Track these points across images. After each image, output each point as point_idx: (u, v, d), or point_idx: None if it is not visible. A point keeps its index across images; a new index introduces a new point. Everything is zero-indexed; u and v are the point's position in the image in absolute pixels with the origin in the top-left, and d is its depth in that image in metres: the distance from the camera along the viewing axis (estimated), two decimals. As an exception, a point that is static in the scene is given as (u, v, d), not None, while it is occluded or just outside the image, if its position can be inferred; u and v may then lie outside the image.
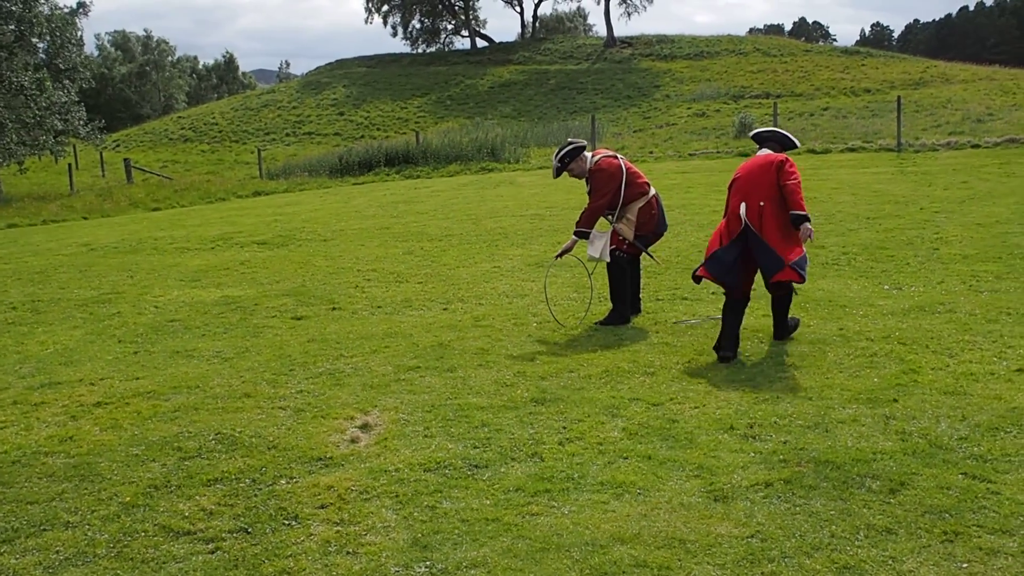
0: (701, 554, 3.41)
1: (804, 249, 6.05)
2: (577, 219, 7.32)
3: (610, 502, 3.90)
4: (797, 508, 3.75)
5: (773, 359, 5.95)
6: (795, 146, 6.60)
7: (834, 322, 6.86)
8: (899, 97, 23.22)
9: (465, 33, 61.24)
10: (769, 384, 5.43)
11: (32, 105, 27.94)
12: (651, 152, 24.66)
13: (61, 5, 30.88)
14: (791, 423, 4.74)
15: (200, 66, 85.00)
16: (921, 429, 4.55)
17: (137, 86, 69.38)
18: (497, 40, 60.19)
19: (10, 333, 7.94)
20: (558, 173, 7.23)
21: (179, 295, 9.31)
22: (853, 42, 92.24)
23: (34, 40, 29.66)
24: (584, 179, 7.28)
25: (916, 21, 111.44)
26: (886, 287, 7.96)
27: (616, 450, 4.48)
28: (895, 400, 5.01)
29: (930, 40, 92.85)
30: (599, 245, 7.14)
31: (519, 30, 65.54)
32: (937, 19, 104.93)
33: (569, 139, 6.22)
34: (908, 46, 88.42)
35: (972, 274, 8.28)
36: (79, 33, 31.79)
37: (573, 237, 7.27)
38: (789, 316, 6.45)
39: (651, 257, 7.43)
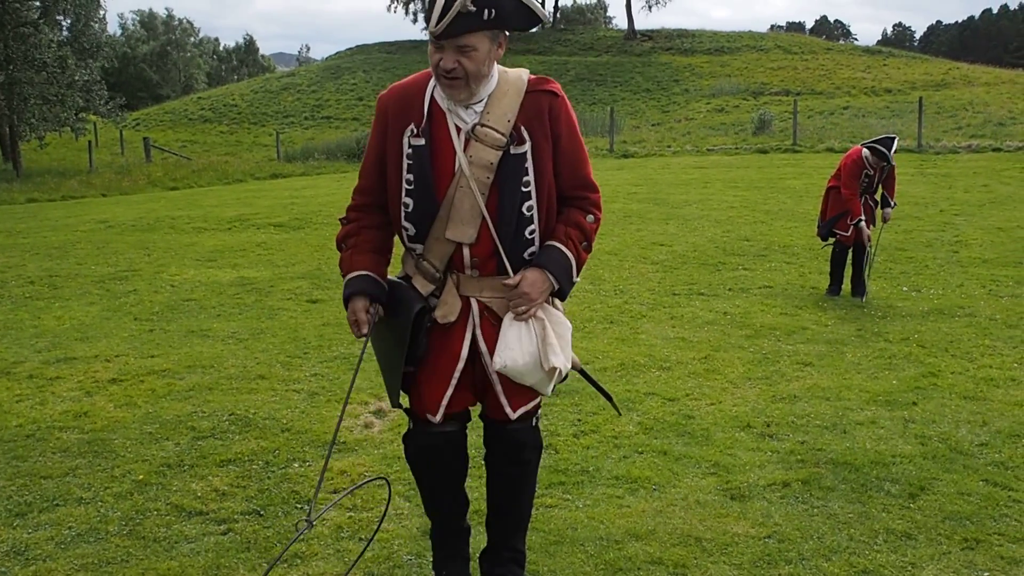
0: (717, 553, 3.37)
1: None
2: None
3: (625, 497, 3.87)
4: (815, 510, 3.71)
5: (790, 358, 5.90)
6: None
7: (852, 322, 6.80)
8: (921, 98, 22.98)
9: (485, 21, 61.03)
10: (786, 383, 5.39)
11: (54, 82, 28.06)
12: (669, 146, 24.55)
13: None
14: (808, 423, 4.70)
15: (221, 48, 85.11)
16: (941, 433, 4.51)
17: (159, 66, 69.46)
18: (517, 29, 59.96)
19: (27, 307, 7.96)
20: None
21: (195, 275, 9.31)
22: (874, 42, 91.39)
23: (58, 17, 29.80)
24: None
25: (938, 22, 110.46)
26: (905, 289, 7.90)
27: (631, 444, 4.45)
28: (914, 403, 4.97)
29: (952, 42, 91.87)
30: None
31: (540, 20, 65.23)
32: (960, 21, 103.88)
33: None
34: (930, 47, 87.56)
35: (992, 278, 8.21)
36: (102, 12, 31.97)
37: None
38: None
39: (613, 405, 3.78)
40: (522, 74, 2.76)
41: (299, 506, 3.84)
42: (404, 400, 2.89)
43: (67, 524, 3.69)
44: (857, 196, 7.53)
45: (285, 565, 3.36)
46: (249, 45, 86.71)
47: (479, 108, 2.67)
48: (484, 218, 2.66)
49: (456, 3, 2.49)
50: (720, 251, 9.83)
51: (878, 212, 7.84)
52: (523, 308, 2.69)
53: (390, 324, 2.84)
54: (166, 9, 77.43)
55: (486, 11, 2.51)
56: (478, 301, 2.76)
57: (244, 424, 4.81)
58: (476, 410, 2.95)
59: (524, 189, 2.67)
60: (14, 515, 3.78)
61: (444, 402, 2.78)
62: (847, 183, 7.54)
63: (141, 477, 4.14)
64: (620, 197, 14.58)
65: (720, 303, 7.53)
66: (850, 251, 7.75)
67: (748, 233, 10.90)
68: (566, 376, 2.86)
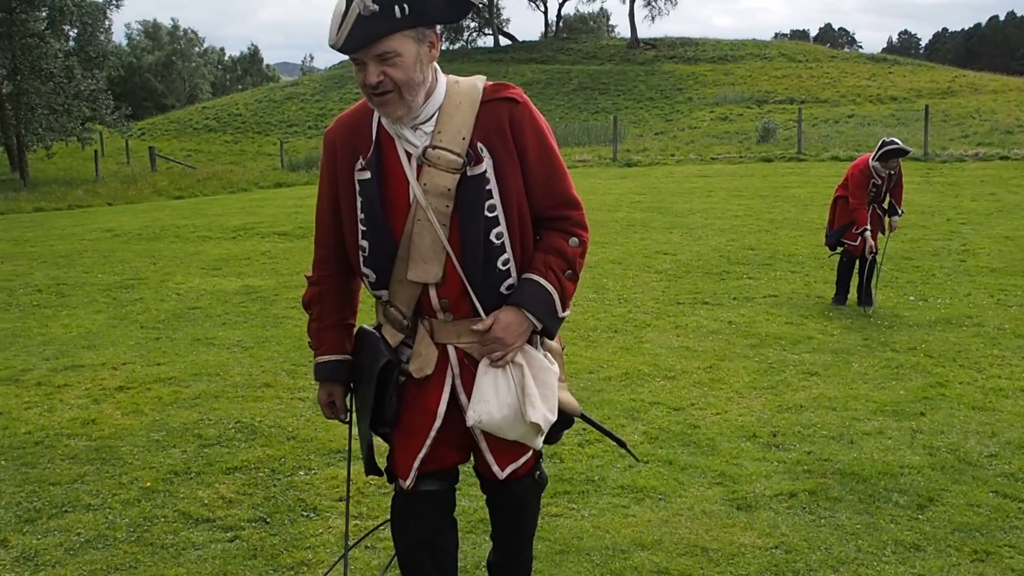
0: (724, 563, 3.36)
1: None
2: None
3: (630, 506, 3.86)
4: (822, 520, 3.70)
5: (796, 367, 5.89)
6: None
7: (858, 332, 6.79)
8: (927, 106, 22.97)
9: (488, 31, 61.24)
10: (792, 393, 5.38)
11: (61, 92, 28.23)
12: (672, 155, 24.55)
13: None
14: (815, 433, 4.69)
15: (226, 57, 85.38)
16: (949, 444, 4.49)
17: (164, 75, 69.63)
18: (520, 39, 60.11)
19: (35, 315, 7.98)
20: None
21: (200, 283, 9.33)
22: (880, 50, 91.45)
23: (65, 27, 29.96)
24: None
25: (944, 30, 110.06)
26: (911, 298, 7.89)
27: (637, 453, 4.43)
28: (922, 414, 4.95)
29: (958, 49, 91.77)
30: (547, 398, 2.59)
31: (542, 29, 65.50)
32: (966, 28, 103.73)
33: None
34: (936, 55, 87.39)
35: (1000, 287, 8.18)
36: (108, 23, 32.13)
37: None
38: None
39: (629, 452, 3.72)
40: (476, 82, 2.38)
41: (304, 514, 3.84)
42: (384, 463, 2.62)
43: (76, 530, 3.71)
44: (865, 206, 7.51)
45: (292, 572, 3.36)
46: (254, 55, 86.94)
47: (429, 128, 2.32)
48: (448, 253, 2.32)
49: (353, 5, 2.14)
50: (724, 260, 9.83)
51: (886, 220, 7.83)
52: (499, 354, 2.36)
53: (357, 383, 2.55)
54: (171, 19, 77.84)
55: (396, 8, 2.16)
56: (456, 349, 2.42)
57: (250, 432, 4.82)
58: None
59: (489, 214, 2.31)
60: (23, 521, 3.81)
61: (415, 464, 2.47)
62: (855, 193, 7.52)
63: (148, 484, 4.14)
64: (623, 206, 14.59)
65: (725, 312, 7.52)
66: (857, 260, 7.74)
67: (753, 242, 10.89)
68: (570, 422, 2.58)
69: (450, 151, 2.29)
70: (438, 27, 2.29)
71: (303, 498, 4.00)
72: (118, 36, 76.70)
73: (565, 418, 2.52)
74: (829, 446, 4.50)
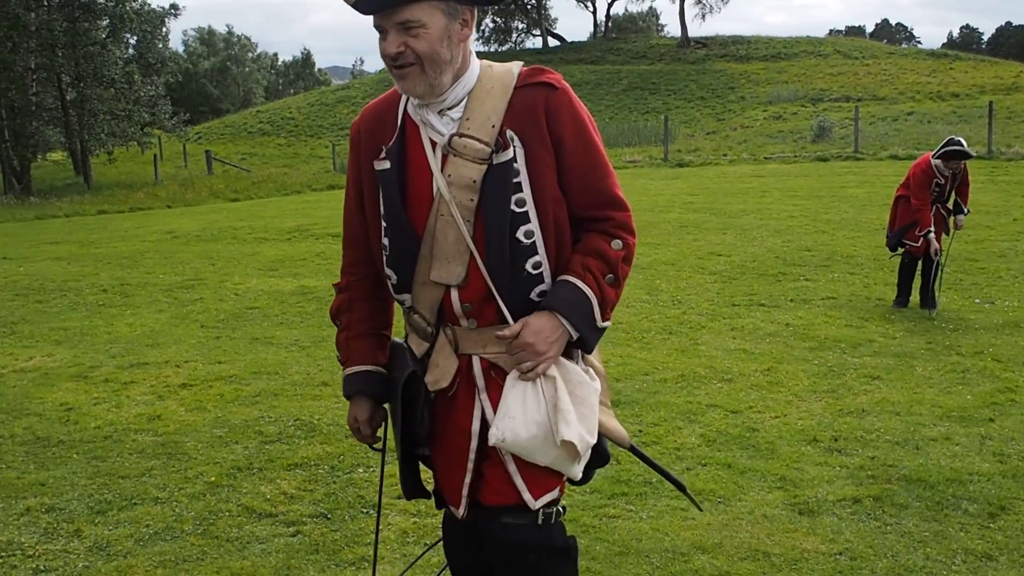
0: (787, 568, 3.32)
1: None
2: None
3: (689, 509, 3.82)
4: (888, 527, 3.63)
5: (857, 371, 5.79)
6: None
7: (921, 335, 6.66)
8: (991, 102, 22.42)
9: (537, 32, 61.32)
10: (853, 397, 5.29)
11: (122, 98, 28.97)
12: (725, 155, 24.32)
13: (152, 3, 32.20)
14: (878, 438, 4.60)
15: (279, 62, 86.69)
16: (1021, 452, 4.37)
17: (219, 81, 70.95)
18: (569, 39, 60.06)
19: (101, 315, 8.19)
20: None
21: (258, 283, 9.48)
22: (939, 45, 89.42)
23: (125, 35, 30.78)
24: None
25: (1008, 23, 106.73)
26: (977, 300, 7.71)
27: (694, 457, 4.41)
28: (991, 420, 4.83)
29: (1023, 44, 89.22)
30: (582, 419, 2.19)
31: (591, 29, 65.34)
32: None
33: None
34: (1000, 49, 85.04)
35: (1069, 291, 7.96)
36: (166, 30, 32.97)
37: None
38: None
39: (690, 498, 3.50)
40: (512, 67, 2.13)
41: (364, 510, 3.88)
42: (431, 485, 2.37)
43: (145, 522, 3.81)
44: (928, 206, 7.35)
45: (353, 568, 3.40)
46: (306, 59, 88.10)
47: (457, 114, 2.09)
48: (471, 252, 2.07)
49: None
50: (780, 261, 9.70)
51: (951, 220, 7.66)
52: (529, 364, 2.06)
53: (390, 399, 2.33)
54: (226, 26, 79.38)
55: None
56: (482, 360, 2.15)
57: (309, 429, 4.88)
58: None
59: (517, 209, 2.05)
60: (95, 512, 3.92)
61: (464, 491, 2.20)
62: (917, 193, 7.36)
63: (213, 479, 4.23)
64: (675, 207, 14.49)
65: (782, 314, 7.42)
66: (920, 262, 7.58)
67: (809, 243, 10.73)
68: (607, 458, 2.25)
69: (478, 139, 2.05)
70: (476, 8, 2.10)
71: (362, 495, 4.04)
72: (175, 43, 78.48)
73: (602, 451, 2.21)
74: (893, 452, 4.41)
